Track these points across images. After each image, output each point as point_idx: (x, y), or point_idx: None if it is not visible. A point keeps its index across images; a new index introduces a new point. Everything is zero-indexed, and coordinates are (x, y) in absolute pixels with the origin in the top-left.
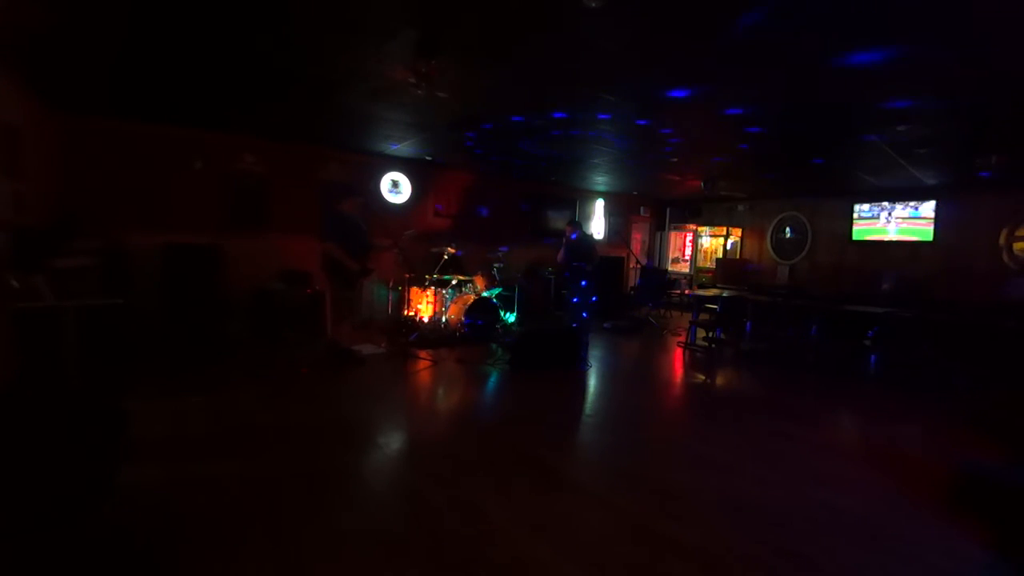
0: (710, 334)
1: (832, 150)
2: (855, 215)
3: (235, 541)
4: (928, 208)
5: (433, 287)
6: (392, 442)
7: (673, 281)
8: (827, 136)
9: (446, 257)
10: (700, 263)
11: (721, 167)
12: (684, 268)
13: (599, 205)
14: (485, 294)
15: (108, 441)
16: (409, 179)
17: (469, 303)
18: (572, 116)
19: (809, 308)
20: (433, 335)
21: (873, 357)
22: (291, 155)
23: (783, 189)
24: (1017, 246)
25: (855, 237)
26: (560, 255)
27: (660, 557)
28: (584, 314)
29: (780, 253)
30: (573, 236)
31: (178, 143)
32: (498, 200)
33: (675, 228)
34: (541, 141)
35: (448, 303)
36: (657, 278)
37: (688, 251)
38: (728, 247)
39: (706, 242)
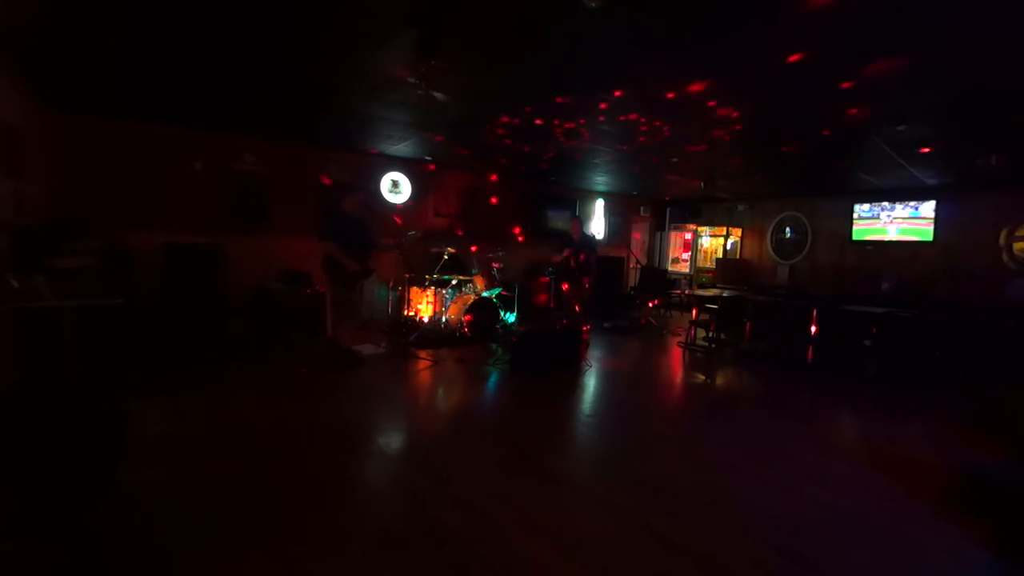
0: (710, 334)
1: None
2: (855, 215)
3: (235, 541)
4: (928, 208)
5: (433, 287)
6: (392, 442)
7: (673, 281)
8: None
9: (446, 257)
10: (700, 263)
11: (721, 167)
12: (684, 268)
13: (599, 205)
14: (485, 294)
15: (108, 441)
16: (409, 179)
17: (469, 303)
18: (572, 116)
19: (809, 308)
20: (433, 335)
21: (873, 357)
22: (291, 155)
23: (783, 189)
24: (1017, 246)
25: (855, 237)
26: (566, 253)
27: (660, 557)
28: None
29: (780, 253)
30: (576, 235)
31: (178, 143)
32: (498, 200)
33: (675, 228)
34: (541, 141)
35: (448, 303)
36: (657, 278)
37: (685, 248)
38: (728, 247)
39: (706, 242)
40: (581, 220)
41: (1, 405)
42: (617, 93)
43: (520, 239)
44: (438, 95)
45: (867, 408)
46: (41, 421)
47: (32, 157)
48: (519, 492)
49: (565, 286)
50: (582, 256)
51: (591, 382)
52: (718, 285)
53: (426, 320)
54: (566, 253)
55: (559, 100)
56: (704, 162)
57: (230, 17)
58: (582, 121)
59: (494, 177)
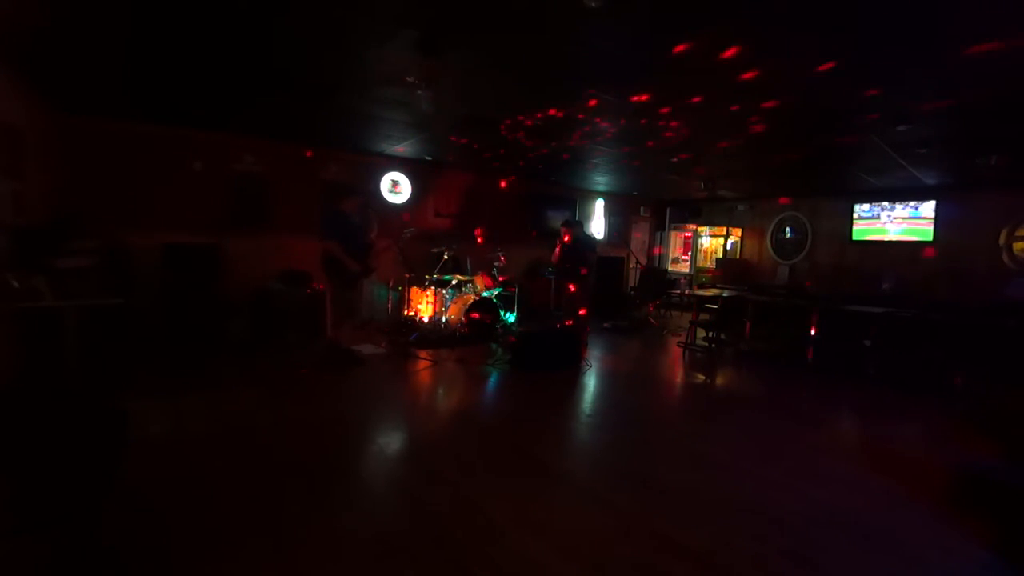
0: (710, 334)
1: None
2: (855, 215)
3: (235, 541)
4: (928, 208)
5: (433, 287)
6: (392, 442)
7: (673, 281)
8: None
9: (446, 257)
10: (700, 263)
11: (722, 167)
12: (684, 268)
13: (599, 205)
14: (485, 294)
15: (108, 441)
16: (409, 179)
17: (469, 303)
18: (571, 116)
19: (809, 308)
20: (433, 335)
21: (873, 357)
22: (291, 155)
23: (783, 189)
24: (1017, 246)
25: (855, 237)
26: (555, 255)
27: (660, 557)
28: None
29: (780, 253)
30: (568, 236)
31: (178, 143)
32: (498, 200)
33: (675, 228)
34: (541, 141)
35: (448, 303)
36: (657, 278)
37: (682, 248)
38: (728, 247)
39: (706, 242)
40: (580, 223)
41: (1, 405)
42: (612, 92)
43: (511, 248)
44: (424, 103)
45: (867, 408)
46: (41, 421)
47: (32, 157)
48: (519, 492)
49: (572, 287)
50: (579, 267)
51: (591, 382)
52: (718, 285)
53: (426, 320)
54: (555, 259)
55: (556, 99)
56: (708, 163)
57: (230, 16)
58: (580, 117)
59: (494, 177)
